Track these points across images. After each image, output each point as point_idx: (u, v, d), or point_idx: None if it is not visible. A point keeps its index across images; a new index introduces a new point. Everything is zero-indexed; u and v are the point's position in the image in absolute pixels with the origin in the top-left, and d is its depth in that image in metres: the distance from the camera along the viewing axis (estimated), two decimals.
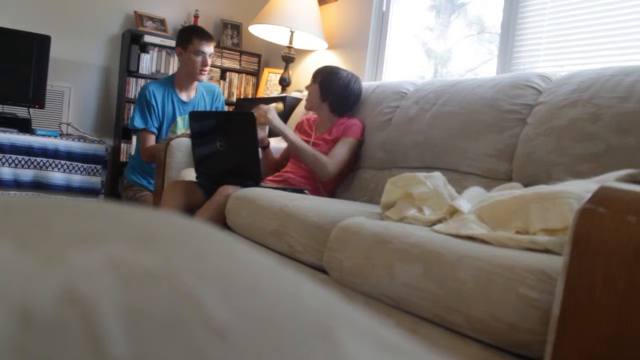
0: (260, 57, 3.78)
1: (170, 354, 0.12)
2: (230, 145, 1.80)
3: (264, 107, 1.99)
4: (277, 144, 2.33)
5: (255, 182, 1.76)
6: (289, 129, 2.01)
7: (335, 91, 2.10)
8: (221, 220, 1.68)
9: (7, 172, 2.68)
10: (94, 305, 0.12)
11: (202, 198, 1.84)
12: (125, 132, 3.33)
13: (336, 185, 2.13)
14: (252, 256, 0.18)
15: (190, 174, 2.10)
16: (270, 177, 2.10)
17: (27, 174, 2.74)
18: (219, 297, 0.14)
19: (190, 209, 1.83)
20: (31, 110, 2.98)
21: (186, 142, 2.27)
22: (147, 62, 3.36)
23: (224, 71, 3.66)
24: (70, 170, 2.86)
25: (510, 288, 0.78)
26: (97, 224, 0.16)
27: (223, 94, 3.70)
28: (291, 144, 2.00)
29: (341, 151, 2.02)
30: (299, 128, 2.26)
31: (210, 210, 1.70)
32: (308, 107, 2.22)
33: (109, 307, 0.12)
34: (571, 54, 2.03)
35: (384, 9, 2.92)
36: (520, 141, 1.55)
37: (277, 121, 1.98)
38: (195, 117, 1.93)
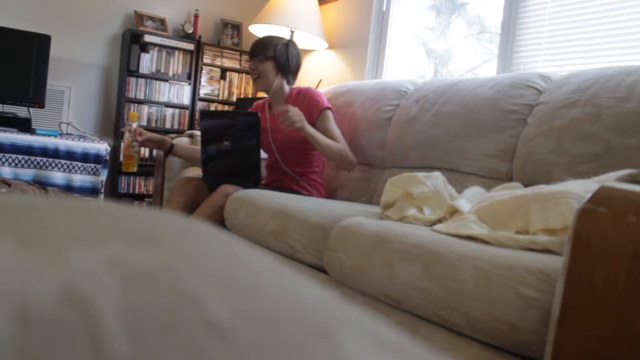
0: None
1: (170, 354, 0.12)
2: (235, 145, 1.80)
3: (293, 109, 1.73)
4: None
5: (255, 183, 1.76)
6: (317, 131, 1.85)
7: (291, 60, 1.98)
8: (219, 220, 1.68)
9: (7, 172, 2.68)
10: (94, 305, 0.12)
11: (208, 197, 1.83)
12: None
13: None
14: (252, 256, 0.18)
15: (193, 173, 2.09)
16: (264, 183, 2.03)
17: (27, 174, 2.73)
18: (219, 296, 0.14)
19: (197, 207, 1.81)
20: (31, 109, 2.97)
21: (185, 141, 2.27)
22: (147, 62, 3.36)
23: (224, 71, 3.66)
24: (70, 170, 2.85)
25: (510, 288, 0.78)
26: (97, 224, 0.16)
27: (223, 93, 3.72)
28: (322, 147, 1.84)
29: (333, 129, 1.93)
30: None
31: (209, 209, 1.69)
32: (264, 89, 1.99)
33: (109, 306, 0.12)
34: (571, 54, 2.03)
35: (384, 9, 2.92)
36: (521, 141, 1.55)
37: (309, 127, 1.79)
38: (205, 116, 1.93)
